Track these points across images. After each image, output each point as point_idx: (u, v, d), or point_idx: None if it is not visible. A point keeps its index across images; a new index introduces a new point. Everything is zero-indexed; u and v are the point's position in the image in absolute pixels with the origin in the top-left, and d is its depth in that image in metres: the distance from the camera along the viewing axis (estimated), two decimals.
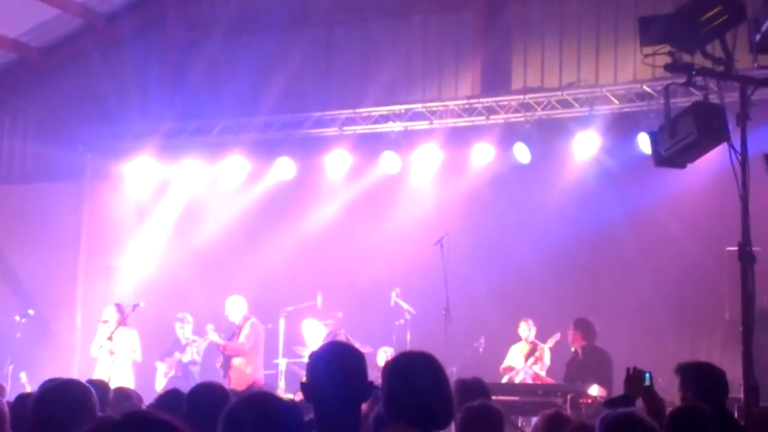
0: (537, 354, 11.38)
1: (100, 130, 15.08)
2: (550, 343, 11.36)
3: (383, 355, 11.60)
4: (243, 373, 11.87)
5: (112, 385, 7.29)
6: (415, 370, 3.71)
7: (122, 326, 12.39)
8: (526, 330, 11.58)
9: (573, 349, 11.18)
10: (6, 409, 5.76)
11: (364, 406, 4.41)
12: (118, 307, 12.58)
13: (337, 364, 3.62)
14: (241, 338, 12.07)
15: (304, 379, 3.73)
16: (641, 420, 4.02)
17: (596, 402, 9.67)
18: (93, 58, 15.37)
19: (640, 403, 5.51)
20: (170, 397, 5.65)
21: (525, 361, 11.43)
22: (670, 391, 6.02)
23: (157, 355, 12.92)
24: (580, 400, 9.85)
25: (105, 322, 12.52)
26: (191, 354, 12.74)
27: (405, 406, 3.59)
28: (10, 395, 7.03)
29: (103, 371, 11.91)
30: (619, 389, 10.61)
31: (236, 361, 12.05)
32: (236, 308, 12.26)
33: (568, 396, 9.87)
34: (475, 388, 6.27)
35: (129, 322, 12.58)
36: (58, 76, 15.98)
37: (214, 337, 12.20)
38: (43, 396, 4.23)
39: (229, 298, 12.35)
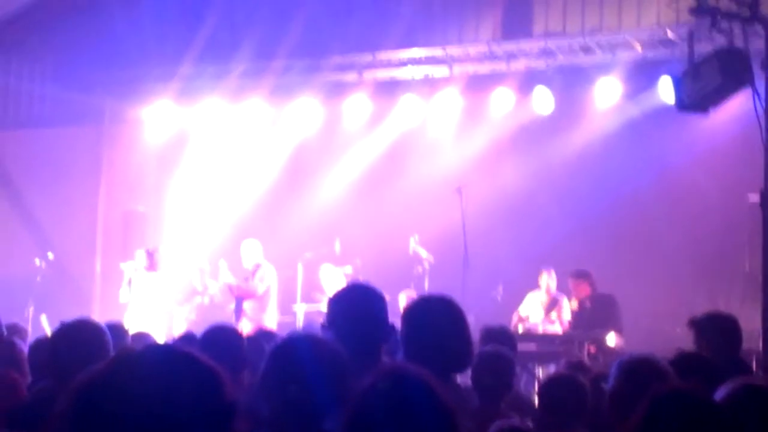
0: (557, 311, 11.31)
1: (119, 73, 14.99)
2: (575, 304, 11.31)
3: (404, 298, 11.43)
4: (256, 319, 11.42)
5: (143, 331, 7.33)
6: (435, 314, 3.69)
7: (152, 271, 12.43)
8: (548, 280, 11.52)
9: (577, 301, 11.20)
10: (24, 351, 5.81)
11: None
12: (148, 253, 12.60)
13: (356, 306, 3.60)
14: (255, 281, 11.70)
15: (323, 322, 3.71)
16: (657, 363, 3.99)
17: (613, 350, 9.66)
18: (110, 1, 15.24)
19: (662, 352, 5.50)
20: (184, 340, 5.67)
21: (546, 313, 11.39)
22: (689, 342, 5.98)
23: (176, 301, 13.00)
24: (594, 349, 9.84)
25: (135, 266, 12.57)
26: (209, 297, 12.80)
27: (424, 349, 3.57)
28: (32, 337, 7.08)
29: (134, 316, 11.97)
30: (629, 332, 10.64)
31: (248, 306, 11.65)
32: (251, 252, 11.87)
33: (585, 345, 9.86)
34: (500, 335, 6.28)
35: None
36: (76, 19, 15.84)
37: (227, 276, 11.86)
38: (57, 337, 4.26)
39: (244, 242, 12.06)
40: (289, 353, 3.09)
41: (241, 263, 12.08)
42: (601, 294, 11.08)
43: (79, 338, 4.08)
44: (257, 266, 11.80)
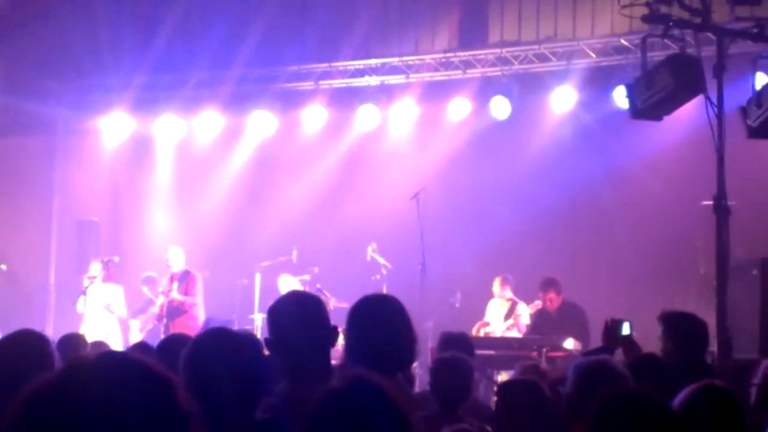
0: (513, 317, 11.35)
1: (72, 84, 14.85)
2: (532, 309, 11.35)
3: None
4: (186, 326, 11.44)
5: (100, 340, 7.26)
6: (372, 314, 3.69)
7: (107, 282, 12.39)
8: (500, 286, 11.53)
9: (539, 308, 11.24)
10: None
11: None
12: (103, 263, 12.57)
13: (296, 313, 3.55)
14: (192, 291, 12.13)
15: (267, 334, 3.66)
16: (613, 367, 4.03)
17: (571, 355, 9.71)
18: (64, 10, 15.07)
19: (619, 354, 5.53)
20: (139, 349, 5.61)
21: (505, 319, 11.42)
22: (645, 344, 6.03)
23: (131, 313, 12.90)
24: (553, 354, 9.88)
25: (91, 278, 12.49)
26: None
27: (362, 348, 3.57)
28: None
29: (90, 327, 11.89)
30: (596, 343, 10.72)
31: (181, 315, 12.07)
32: (179, 258, 12.33)
33: (543, 349, 9.90)
34: (459, 341, 6.29)
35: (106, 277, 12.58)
36: (28, 29, 15.65)
37: (175, 294, 12.12)
38: None
39: (172, 247, 12.46)
40: (199, 350, 3.11)
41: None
42: (569, 303, 11.08)
43: (21, 349, 3.99)
44: (186, 273, 12.21)
